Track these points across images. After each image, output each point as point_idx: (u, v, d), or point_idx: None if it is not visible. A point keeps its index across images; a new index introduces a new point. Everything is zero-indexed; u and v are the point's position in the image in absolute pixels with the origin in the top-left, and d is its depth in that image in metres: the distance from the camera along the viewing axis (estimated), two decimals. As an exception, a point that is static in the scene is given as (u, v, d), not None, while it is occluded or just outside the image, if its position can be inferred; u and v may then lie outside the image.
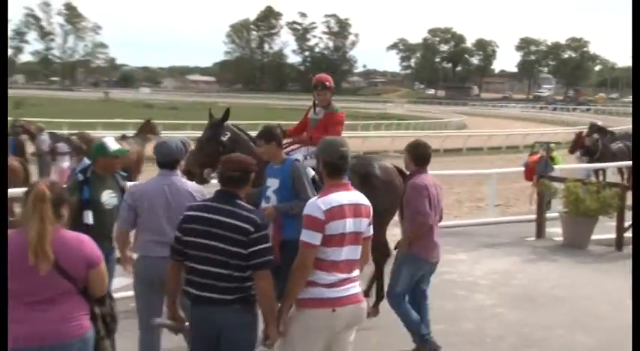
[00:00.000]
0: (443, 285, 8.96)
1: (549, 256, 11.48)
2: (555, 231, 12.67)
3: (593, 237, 12.22)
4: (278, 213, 6.37)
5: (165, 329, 5.35)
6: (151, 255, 5.66)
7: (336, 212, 4.55)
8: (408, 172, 7.16)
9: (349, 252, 4.63)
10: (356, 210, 4.67)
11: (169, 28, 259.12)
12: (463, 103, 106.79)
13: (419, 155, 6.88)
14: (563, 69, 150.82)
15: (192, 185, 6.00)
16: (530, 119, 70.56)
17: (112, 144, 6.55)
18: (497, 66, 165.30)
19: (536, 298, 9.01)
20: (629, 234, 12.15)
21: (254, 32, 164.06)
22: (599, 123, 26.82)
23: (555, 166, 15.73)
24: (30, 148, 16.21)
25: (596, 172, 18.64)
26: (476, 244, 11.87)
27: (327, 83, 8.14)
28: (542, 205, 13.01)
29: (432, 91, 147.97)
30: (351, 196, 4.73)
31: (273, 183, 6.57)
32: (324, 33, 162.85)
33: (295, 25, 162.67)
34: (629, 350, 7.09)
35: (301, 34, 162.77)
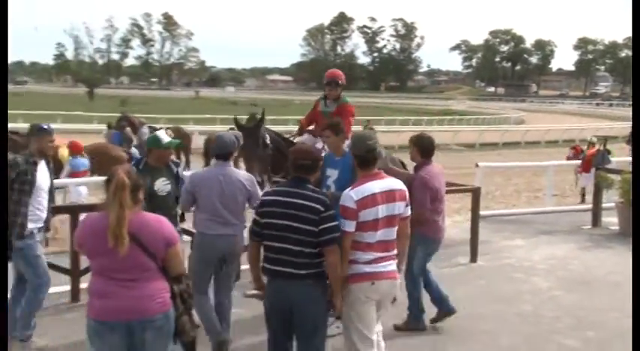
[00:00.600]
0: (501, 269, 9.00)
1: (605, 244, 11.22)
2: (611, 220, 12.38)
3: (648, 226, 11.89)
4: (332, 199, 6.28)
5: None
6: (206, 232, 6.01)
7: (369, 201, 4.74)
8: (414, 164, 7.09)
9: (383, 234, 4.82)
10: (389, 196, 4.84)
11: (252, 33, 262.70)
12: (521, 100, 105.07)
13: (424, 147, 6.84)
14: (620, 67, 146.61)
15: (242, 174, 6.24)
16: (586, 115, 69.03)
17: (165, 137, 6.59)
18: (554, 65, 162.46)
19: (592, 282, 8.84)
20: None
21: (328, 36, 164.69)
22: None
23: (612, 159, 15.42)
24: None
25: None
26: (533, 232, 11.72)
27: (340, 81, 8.09)
28: (600, 196, 12.67)
29: (492, 89, 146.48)
30: (384, 183, 4.89)
31: (332, 173, 6.60)
32: (392, 36, 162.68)
33: (365, 29, 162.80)
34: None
35: (371, 37, 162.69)
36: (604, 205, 12.66)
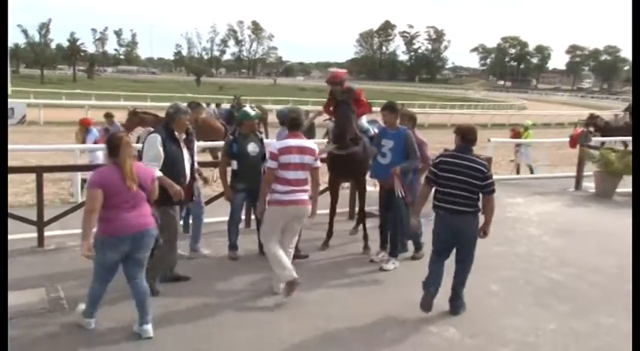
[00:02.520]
0: (505, 220, 8.91)
1: (584, 203, 11.08)
2: (589, 185, 12.18)
3: (618, 190, 11.70)
4: (402, 170, 6.30)
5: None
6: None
7: (286, 150, 5.42)
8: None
9: (295, 175, 5.42)
10: (300, 150, 5.46)
11: (318, 34, 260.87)
12: (524, 92, 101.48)
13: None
14: (600, 68, 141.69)
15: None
16: (574, 104, 66.49)
17: (251, 111, 6.70)
18: (550, 65, 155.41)
19: (573, 231, 8.77)
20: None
21: (375, 38, 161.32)
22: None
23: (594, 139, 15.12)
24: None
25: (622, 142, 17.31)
26: (530, 192, 11.58)
27: (339, 80, 7.28)
28: (582, 166, 12.44)
29: (501, 83, 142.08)
30: (299, 141, 5.53)
31: (388, 143, 6.44)
32: (425, 39, 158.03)
33: (405, 34, 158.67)
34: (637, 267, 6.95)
35: (409, 39, 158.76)
36: (585, 173, 12.44)
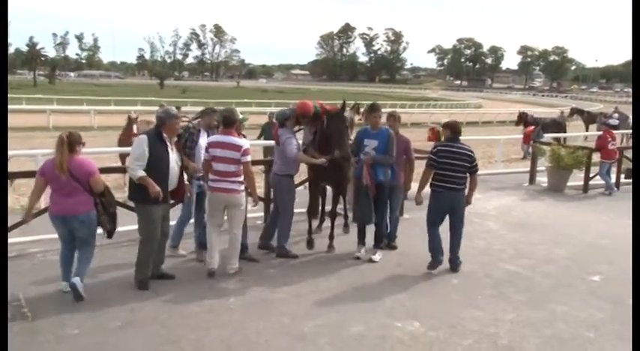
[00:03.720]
0: (465, 215, 9.00)
1: (538, 197, 11.34)
2: (542, 179, 12.46)
3: (569, 184, 12.03)
4: (374, 161, 6.51)
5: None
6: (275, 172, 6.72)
7: (214, 144, 5.83)
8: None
9: (222, 167, 5.79)
10: (224, 145, 5.77)
11: (280, 37, 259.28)
12: (480, 90, 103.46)
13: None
14: (550, 68, 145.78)
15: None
16: (526, 102, 68.04)
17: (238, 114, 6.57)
18: (504, 64, 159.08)
19: (528, 224, 8.97)
20: (593, 182, 12.03)
21: (336, 40, 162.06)
22: (573, 106, 25.86)
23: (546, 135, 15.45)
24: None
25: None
26: (488, 188, 11.73)
27: (308, 114, 6.75)
28: (536, 161, 12.72)
29: (458, 82, 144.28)
30: (227, 138, 5.82)
31: (371, 143, 6.55)
32: (384, 41, 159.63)
33: (365, 36, 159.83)
34: (589, 259, 7.17)
35: (368, 41, 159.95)
36: (538, 168, 12.72)
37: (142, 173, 5.25)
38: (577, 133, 21.35)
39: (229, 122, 5.87)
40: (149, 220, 5.45)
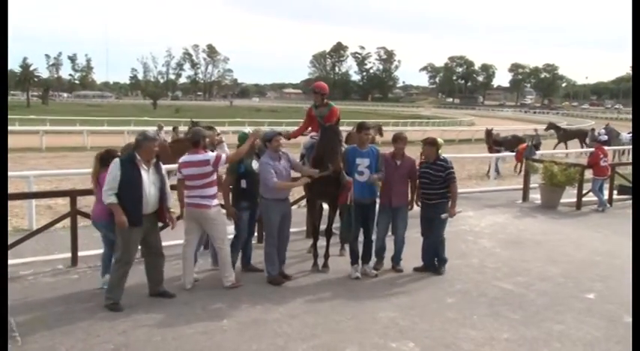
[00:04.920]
0: (458, 233, 9.02)
1: (531, 214, 11.34)
2: (535, 196, 12.47)
3: (562, 201, 12.05)
4: (379, 179, 6.76)
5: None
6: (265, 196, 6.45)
7: (187, 164, 6.06)
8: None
9: (196, 183, 6.02)
10: (198, 163, 6.02)
11: (272, 56, 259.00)
12: (472, 108, 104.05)
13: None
14: (541, 85, 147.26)
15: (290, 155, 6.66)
16: (518, 119, 68.60)
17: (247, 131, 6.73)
18: (495, 82, 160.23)
19: (522, 242, 8.96)
20: (586, 199, 12.07)
21: (328, 59, 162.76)
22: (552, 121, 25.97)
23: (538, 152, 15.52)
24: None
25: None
26: (481, 205, 11.78)
27: (324, 92, 7.77)
28: (528, 178, 12.77)
29: (450, 100, 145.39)
30: (199, 156, 6.05)
31: (363, 162, 6.66)
32: (377, 59, 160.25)
33: (357, 54, 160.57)
34: (584, 277, 7.16)
35: (361, 60, 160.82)
36: (531, 185, 12.75)
37: (111, 199, 5.40)
38: (550, 150, 21.42)
39: (195, 141, 6.16)
40: (124, 242, 5.53)
